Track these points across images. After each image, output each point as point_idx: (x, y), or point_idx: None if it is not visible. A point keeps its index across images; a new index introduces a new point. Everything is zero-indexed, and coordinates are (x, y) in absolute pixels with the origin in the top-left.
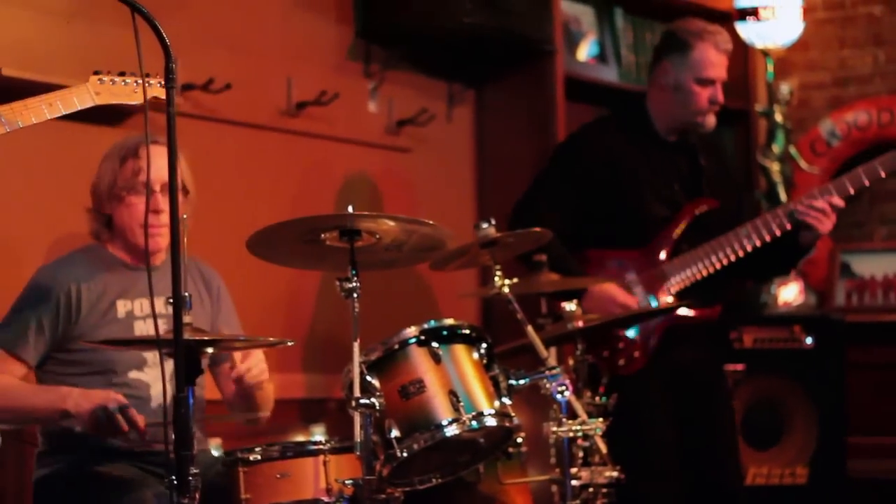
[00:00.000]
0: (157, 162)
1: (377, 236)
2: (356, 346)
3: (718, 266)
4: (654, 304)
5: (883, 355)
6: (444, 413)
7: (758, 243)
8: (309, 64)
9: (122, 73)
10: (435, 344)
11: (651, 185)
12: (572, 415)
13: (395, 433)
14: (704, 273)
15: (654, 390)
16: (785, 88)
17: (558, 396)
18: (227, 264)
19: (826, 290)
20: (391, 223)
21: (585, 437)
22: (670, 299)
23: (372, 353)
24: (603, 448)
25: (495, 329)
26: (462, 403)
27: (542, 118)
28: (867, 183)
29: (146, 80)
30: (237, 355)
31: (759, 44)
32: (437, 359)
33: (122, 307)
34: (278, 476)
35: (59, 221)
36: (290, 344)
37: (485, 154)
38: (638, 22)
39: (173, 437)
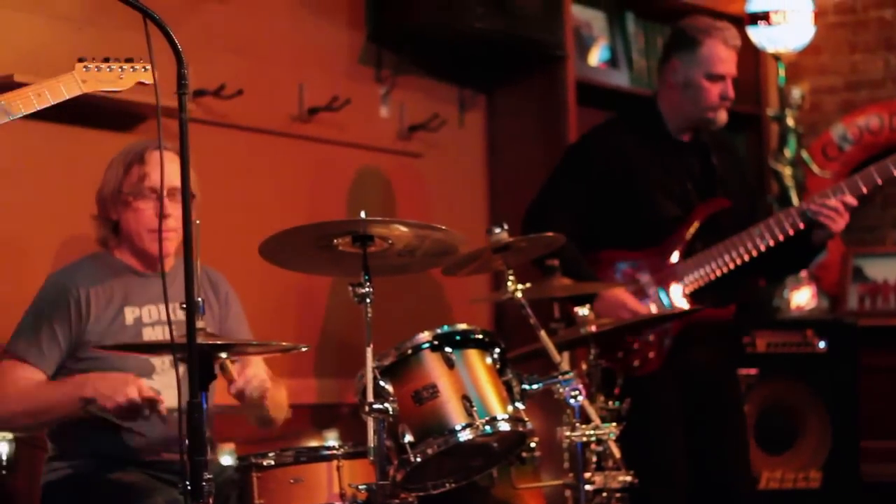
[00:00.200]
0: (167, 167)
1: (390, 241)
2: (369, 351)
3: (732, 266)
4: (667, 304)
5: None
6: (457, 418)
7: (771, 243)
8: (320, 69)
9: (106, 59)
10: (448, 349)
11: (663, 185)
12: (585, 419)
13: (408, 438)
14: (718, 273)
15: (667, 392)
16: (796, 93)
17: (571, 401)
18: (239, 270)
19: (839, 294)
20: (404, 228)
21: (599, 441)
22: (685, 300)
23: (385, 358)
24: (616, 452)
25: (508, 334)
26: (475, 408)
27: (554, 123)
28: (880, 182)
29: (130, 65)
30: (234, 369)
31: (771, 48)
32: (450, 364)
33: (130, 314)
34: (292, 481)
35: (70, 226)
36: (303, 349)
37: (496, 159)
38: (649, 26)
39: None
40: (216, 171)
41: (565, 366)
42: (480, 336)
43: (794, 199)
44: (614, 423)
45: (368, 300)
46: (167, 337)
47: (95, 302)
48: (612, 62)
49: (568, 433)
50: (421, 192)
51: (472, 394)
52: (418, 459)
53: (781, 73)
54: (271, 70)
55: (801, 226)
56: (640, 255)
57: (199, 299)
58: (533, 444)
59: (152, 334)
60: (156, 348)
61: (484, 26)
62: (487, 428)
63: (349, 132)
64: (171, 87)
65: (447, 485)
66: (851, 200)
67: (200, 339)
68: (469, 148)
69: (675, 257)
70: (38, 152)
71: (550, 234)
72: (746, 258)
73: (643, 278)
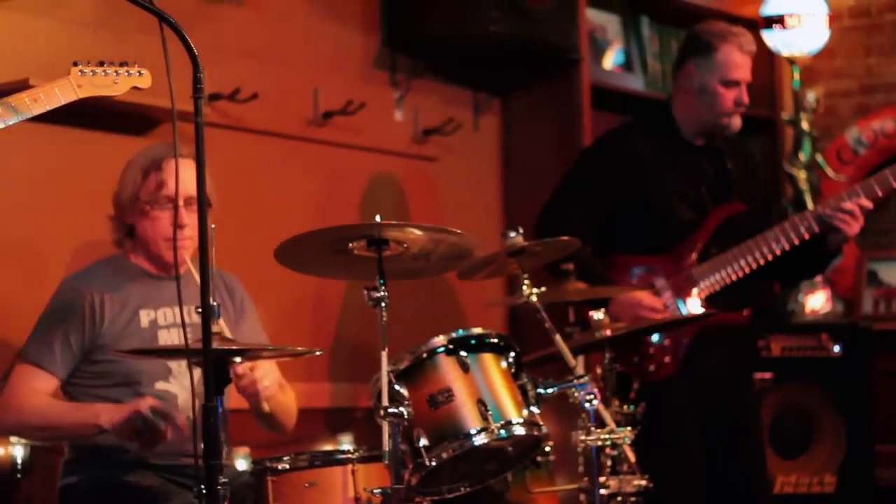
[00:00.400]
0: (182, 175)
1: (405, 245)
2: (384, 354)
3: (747, 270)
4: (683, 309)
5: None
6: (472, 422)
7: (786, 246)
8: (335, 73)
9: (101, 63)
10: (463, 353)
11: (677, 189)
12: (601, 423)
13: (423, 442)
14: (734, 277)
15: (683, 396)
16: (811, 96)
17: (587, 405)
18: (253, 273)
19: (853, 298)
20: (418, 232)
21: (614, 445)
22: (700, 305)
23: (400, 362)
24: (631, 457)
25: (523, 338)
26: (490, 412)
27: (569, 127)
28: (895, 185)
29: (125, 69)
30: (240, 368)
31: (785, 52)
32: (465, 368)
33: (145, 317)
34: (306, 485)
35: (85, 230)
36: (318, 353)
37: (511, 163)
38: (664, 30)
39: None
40: (231, 175)
41: (580, 370)
42: (495, 340)
43: (809, 203)
44: (629, 428)
45: (384, 304)
46: (183, 339)
47: (110, 306)
48: (627, 66)
49: (583, 437)
50: (435, 195)
51: (488, 398)
52: (433, 463)
53: (796, 76)
54: (286, 74)
55: (817, 229)
56: (655, 259)
57: (215, 303)
58: (548, 448)
59: (168, 337)
60: (171, 353)
61: (498, 30)
62: (502, 432)
63: (364, 136)
64: (187, 90)
65: (462, 489)
66: (867, 203)
67: (216, 344)
68: (484, 152)
69: (690, 261)
70: (53, 156)
71: (566, 237)
72: (762, 262)
73: (658, 283)
